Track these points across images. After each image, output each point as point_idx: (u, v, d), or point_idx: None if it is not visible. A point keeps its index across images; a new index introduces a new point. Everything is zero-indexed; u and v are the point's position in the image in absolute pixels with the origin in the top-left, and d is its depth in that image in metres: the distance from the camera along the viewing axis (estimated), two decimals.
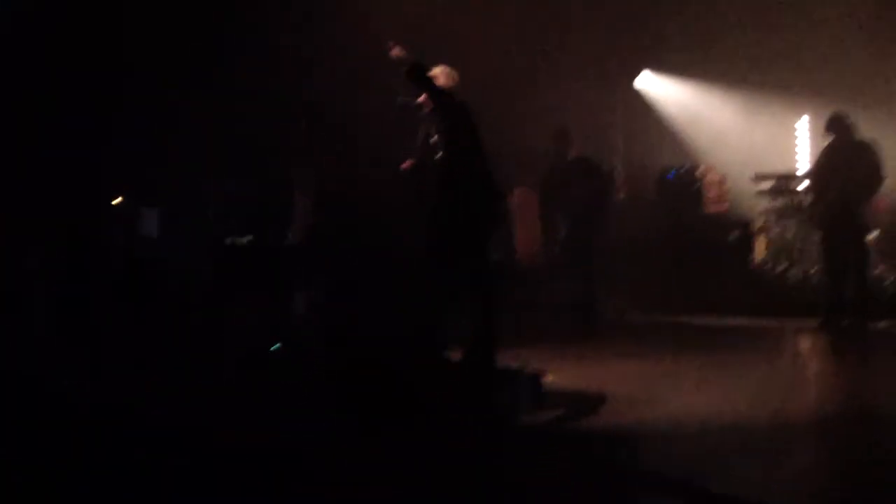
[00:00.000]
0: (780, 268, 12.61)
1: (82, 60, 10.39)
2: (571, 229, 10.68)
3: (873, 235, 11.23)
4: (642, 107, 15.42)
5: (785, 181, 12.46)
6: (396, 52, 7.10)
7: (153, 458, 5.33)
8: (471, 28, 12.93)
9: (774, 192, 12.70)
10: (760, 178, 12.82)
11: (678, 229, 13.12)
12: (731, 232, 12.84)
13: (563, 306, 10.68)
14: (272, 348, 8.80)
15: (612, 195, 11.59)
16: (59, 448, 5.64)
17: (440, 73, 7.42)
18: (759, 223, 13.11)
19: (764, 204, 13.19)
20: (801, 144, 14.26)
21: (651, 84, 15.58)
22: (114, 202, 10.36)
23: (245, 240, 10.13)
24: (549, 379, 7.13)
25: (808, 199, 11.47)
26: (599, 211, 10.86)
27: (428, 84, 7.26)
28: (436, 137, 7.33)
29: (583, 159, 10.94)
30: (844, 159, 10.22)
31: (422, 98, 7.34)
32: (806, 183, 11.66)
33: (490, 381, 6.70)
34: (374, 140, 10.91)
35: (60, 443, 5.76)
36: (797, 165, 13.89)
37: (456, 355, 6.99)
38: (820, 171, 10.58)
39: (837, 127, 10.36)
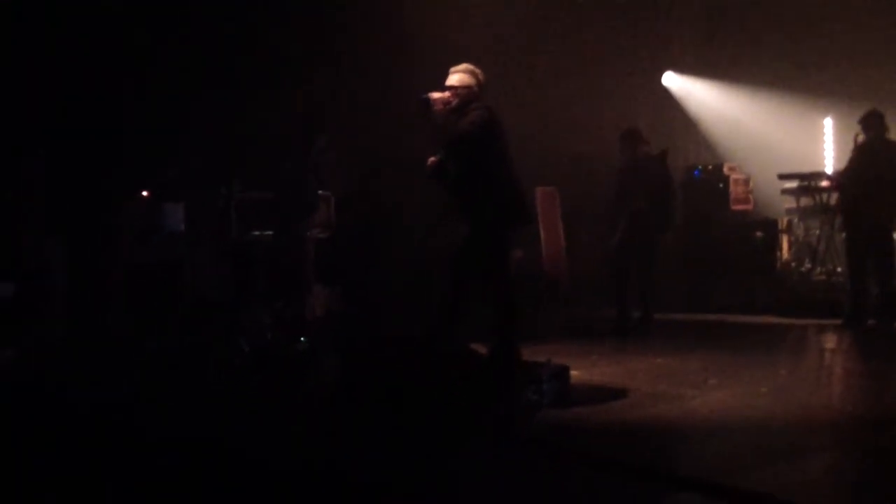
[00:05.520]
0: (804, 267, 12.57)
1: (106, 57, 10.44)
2: (633, 230, 10.16)
3: None
4: (668, 104, 15.36)
5: (810, 180, 12.36)
6: (435, 99, 7.06)
7: (156, 462, 5.35)
8: (492, 27, 12.93)
9: (799, 192, 12.60)
10: (785, 177, 12.72)
11: (703, 228, 13.09)
12: (757, 231, 12.78)
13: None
14: (298, 343, 8.85)
15: (676, 197, 11.05)
16: (61, 449, 5.67)
17: (464, 72, 7.18)
18: (783, 223, 13.05)
19: (789, 203, 13.14)
20: (826, 145, 14.23)
21: (676, 83, 15.51)
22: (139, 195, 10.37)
23: (267, 235, 10.15)
24: (575, 374, 7.13)
25: (835, 198, 11.40)
26: (670, 213, 10.57)
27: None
28: (460, 139, 7.02)
29: (654, 158, 10.49)
30: (876, 158, 10.13)
31: (446, 95, 7.11)
32: (832, 182, 11.56)
33: (515, 375, 6.68)
34: (395, 138, 10.91)
35: (64, 443, 5.79)
36: (823, 165, 13.84)
37: (481, 350, 6.98)
38: (849, 170, 10.49)
39: (873, 124, 10.24)
